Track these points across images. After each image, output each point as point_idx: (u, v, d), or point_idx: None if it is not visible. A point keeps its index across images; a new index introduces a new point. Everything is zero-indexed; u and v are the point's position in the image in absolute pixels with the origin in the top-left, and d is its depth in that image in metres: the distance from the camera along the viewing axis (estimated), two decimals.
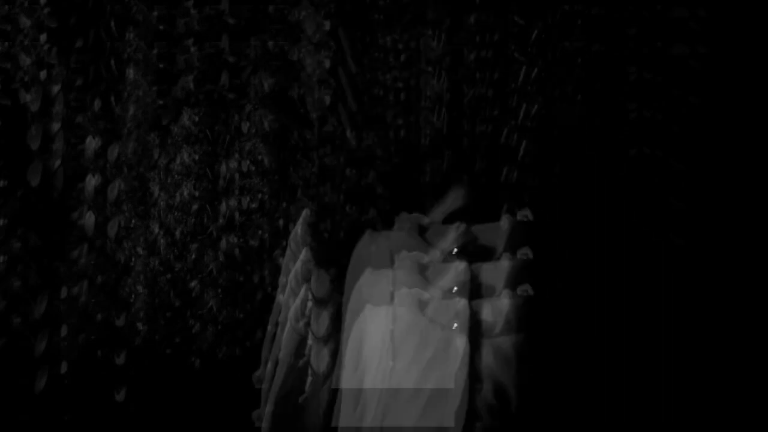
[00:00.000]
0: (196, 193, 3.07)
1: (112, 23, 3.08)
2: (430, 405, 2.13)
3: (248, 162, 3.05)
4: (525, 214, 2.47)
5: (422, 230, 2.44)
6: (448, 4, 2.80)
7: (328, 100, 2.99)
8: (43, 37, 3.05)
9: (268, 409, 2.71)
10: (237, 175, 3.06)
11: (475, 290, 2.24)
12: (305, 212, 2.84)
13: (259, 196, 3.06)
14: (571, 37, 2.72)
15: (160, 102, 3.08)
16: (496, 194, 2.67)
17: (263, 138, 3.05)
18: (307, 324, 2.72)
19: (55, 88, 3.06)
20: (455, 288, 2.22)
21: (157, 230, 3.09)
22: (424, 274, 2.28)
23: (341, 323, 2.48)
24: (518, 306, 2.22)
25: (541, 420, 2.27)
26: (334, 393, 2.50)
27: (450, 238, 2.36)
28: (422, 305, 2.22)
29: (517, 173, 2.68)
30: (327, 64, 2.99)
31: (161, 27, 3.07)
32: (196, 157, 3.07)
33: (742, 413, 2.59)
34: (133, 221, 3.10)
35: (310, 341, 2.71)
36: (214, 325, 3.06)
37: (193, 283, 3.06)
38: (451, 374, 2.14)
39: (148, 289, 3.08)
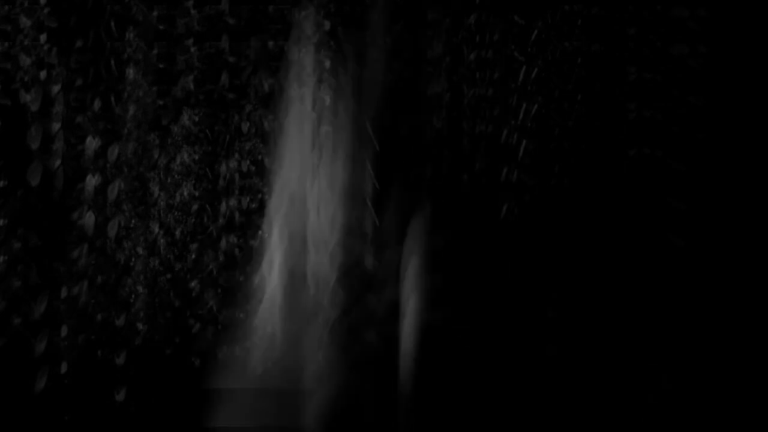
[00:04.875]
0: (196, 193, 3.07)
1: (112, 23, 3.08)
2: None
3: (248, 162, 3.05)
4: None
5: None
6: (448, 4, 2.80)
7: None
8: (43, 37, 3.05)
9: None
10: (237, 175, 3.06)
11: None
12: None
13: (259, 196, 3.06)
14: (571, 37, 2.72)
15: (160, 102, 3.08)
16: (496, 194, 2.67)
17: (263, 138, 3.05)
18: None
19: (55, 88, 3.06)
20: None
21: (157, 230, 3.09)
22: None
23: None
24: None
25: None
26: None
27: None
28: None
29: (517, 173, 2.68)
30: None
31: (161, 27, 3.07)
32: (196, 157, 3.07)
33: (740, 413, 2.59)
34: (133, 221, 3.10)
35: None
36: (214, 325, 3.06)
37: (193, 283, 3.06)
38: None
39: (148, 289, 3.07)
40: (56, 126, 3.06)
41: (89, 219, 3.04)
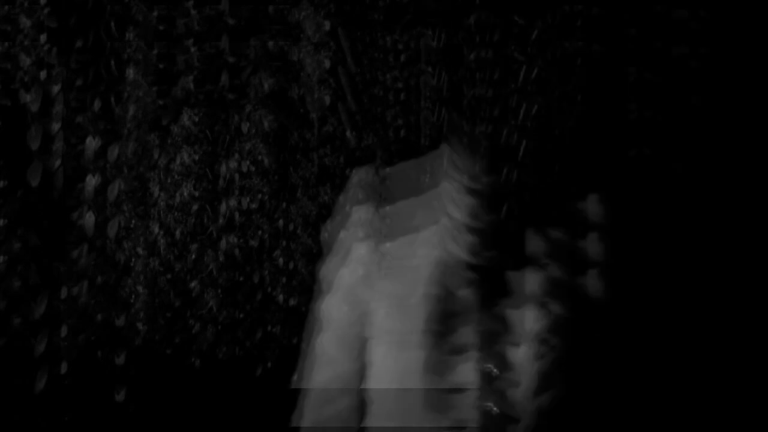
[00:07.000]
0: (196, 193, 3.07)
1: (112, 23, 3.08)
2: None
3: (248, 162, 3.05)
4: None
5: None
6: (448, 4, 2.80)
7: (328, 100, 2.99)
8: (43, 37, 3.05)
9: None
10: (237, 175, 3.05)
11: None
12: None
13: (259, 196, 3.06)
14: (571, 37, 2.72)
15: (160, 102, 3.08)
16: (495, 195, 2.67)
17: (263, 138, 3.05)
18: None
19: (55, 88, 3.06)
20: None
21: (157, 230, 3.09)
22: None
23: None
24: None
25: None
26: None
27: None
28: None
29: (517, 173, 2.69)
30: (327, 64, 2.99)
31: (161, 27, 3.07)
32: (196, 157, 3.07)
33: (741, 411, 2.59)
34: (133, 221, 3.10)
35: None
36: (214, 325, 3.06)
37: (193, 283, 3.06)
38: None
39: (148, 289, 3.07)
40: (56, 126, 3.06)
41: (89, 219, 3.04)
